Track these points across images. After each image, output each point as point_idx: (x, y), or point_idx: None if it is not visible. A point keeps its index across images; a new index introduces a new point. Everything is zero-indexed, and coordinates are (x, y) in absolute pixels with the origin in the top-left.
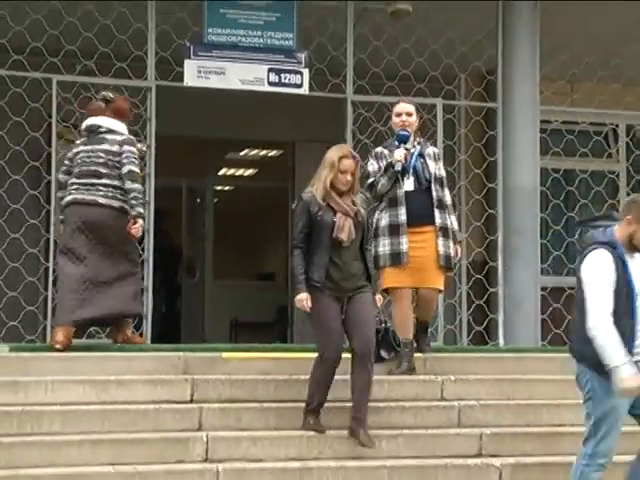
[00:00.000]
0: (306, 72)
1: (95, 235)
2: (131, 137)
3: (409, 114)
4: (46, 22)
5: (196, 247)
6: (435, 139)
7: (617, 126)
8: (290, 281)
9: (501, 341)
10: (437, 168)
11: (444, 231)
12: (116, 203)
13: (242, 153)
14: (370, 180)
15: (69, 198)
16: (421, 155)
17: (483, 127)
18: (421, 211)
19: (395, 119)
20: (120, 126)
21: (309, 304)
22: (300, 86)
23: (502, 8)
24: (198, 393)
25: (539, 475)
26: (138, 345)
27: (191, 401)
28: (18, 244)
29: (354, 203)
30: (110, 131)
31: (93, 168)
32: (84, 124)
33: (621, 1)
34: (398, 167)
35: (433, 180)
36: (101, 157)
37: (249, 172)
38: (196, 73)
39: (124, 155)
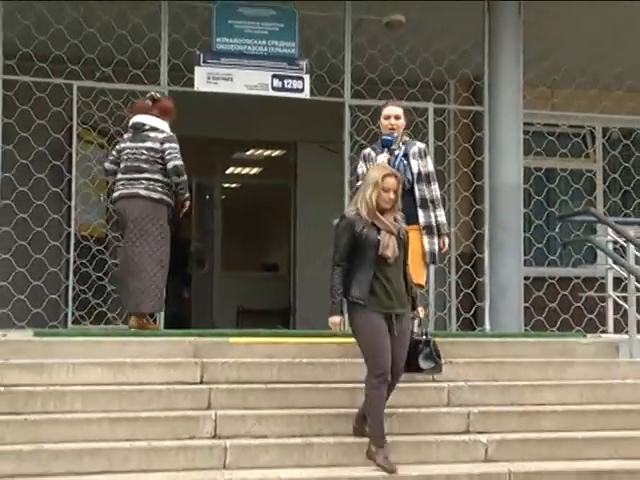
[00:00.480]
0: (307, 78)
1: (136, 225)
2: (172, 134)
3: (397, 117)
4: (67, 32)
5: (205, 240)
6: (427, 140)
7: (594, 128)
8: (292, 272)
9: (487, 327)
10: (423, 165)
11: (428, 229)
12: (156, 195)
13: (248, 153)
14: (359, 183)
15: (116, 194)
16: (405, 155)
17: (471, 129)
18: (404, 211)
19: (384, 121)
20: (163, 124)
21: (342, 328)
22: (301, 91)
23: (488, 20)
24: (207, 375)
25: (522, 450)
26: (152, 330)
27: (201, 382)
28: (41, 237)
29: (396, 220)
30: (153, 129)
31: (136, 164)
32: (131, 121)
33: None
34: None
35: (416, 180)
36: (144, 154)
37: (254, 171)
38: (206, 79)
39: (167, 152)
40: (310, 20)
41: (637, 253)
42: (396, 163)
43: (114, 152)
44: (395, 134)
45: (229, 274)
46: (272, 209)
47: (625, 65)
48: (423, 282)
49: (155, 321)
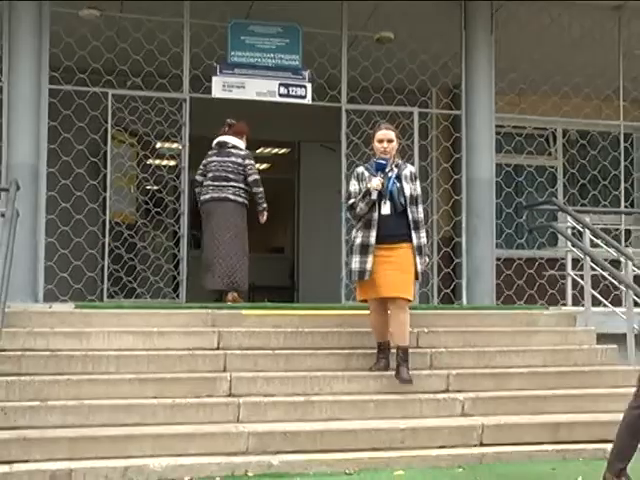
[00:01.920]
0: (309, 86)
1: (226, 220)
2: (249, 152)
3: (390, 140)
4: (104, 48)
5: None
6: (412, 140)
7: (555, 130)
8: (296, 253)
9: (464, 301)
10: (413, 188)
11: (419, 250)
12: (240, 199)
13: (258, 151)
14: (351, 201)
15: (207, 196)
16: (398, 177)
17: (450, 130)
18: (396, 231)
19: (377, 145)
20: (241, 143)
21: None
22: (304, 97)
23: (465, 37)
24: (223, 342)
25: (493, 406)
26: (176, 303)
27: (217, 348)
28: (81, 223)
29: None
30: (234, 147)
31: (224, 174)
32: (216, 141)
33: (558, 31)
34: (374, 195)
35: (408, 203)
36: (230, 167)
37: (263, 166)
38: (221, 87)
39: (248, 167)
40: (311, 36)
41: (592, 237)
42: (389, 185)
43: (201, 166)
44: (388, 156)
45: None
46: (278, 200)
47: (582, 76)
48: (411, 297)
49: (242, 297)
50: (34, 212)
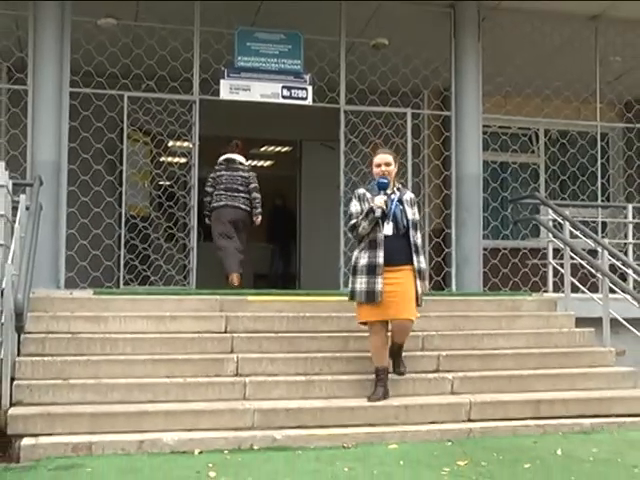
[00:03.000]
0: (310, 88)
1: (237, 224)
2: (250, 166)
3: (388, 164)
4: (120, 54)
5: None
6: (406, 138)
7: (538, 130)
8: (298, 244)
9: (454, 288)
10: (413, 213)
11: (420, 273)
12: (247, 208)
13: (262, 149)
14: (353, 221)
15: (222, 203)
16: (400, 201)
17: (441, 130)
18: (398, 253)
19: (375, 169)
20: (243, 159)
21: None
22: (305, 99)
23: (454, 44)
24: (230, 326)
25: (480, 385)
26: (186, 289)
27: (225, 332)
28: (99, 216)
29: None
30: (240, 163)
31: (235, 186)
32: (224, 157)
33: (540, 39)
34: (378, 213)
35: (411, 226)
36: (238, 180)
37: (267, 163)
38: (229, 89)
39: (251, 179)
40: (312, 42)
41: (571, 229)
42: (392, 207)
43: (210, 179)
44: (389, 178)
45: (248, 246)
46: (281, 195)
47: (562, 80)
48: (415, 317)
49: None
50: (56, 205)
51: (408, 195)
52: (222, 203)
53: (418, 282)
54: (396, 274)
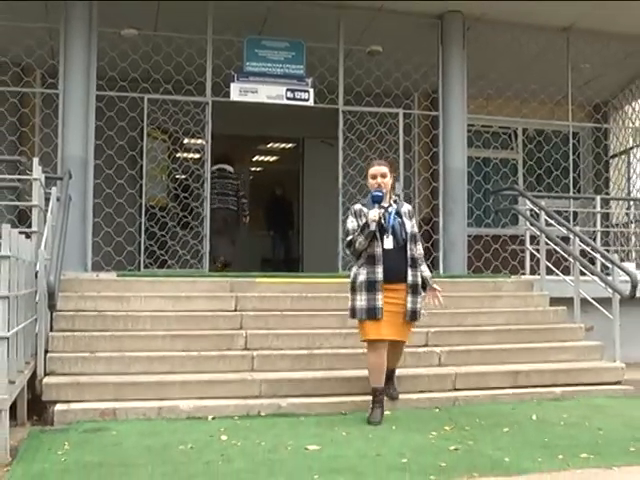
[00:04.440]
0: (311, 91)
1: (228, 223)
2: (238, 175)
3: (383, 175)
4: (140, 60)
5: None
6: (398, 136)
7: (517, 129)
8: (301, 231)
9: (441, 270)
10: (411, 225)
11: (414, 288)
12: (235, 208)
13: (268, 145)
14: (349, 238)
15: (215, 206)
16: (398, 214)
17: (429, 128)
18: (397, 269)
19: (371, 181)
20: (232, 169)
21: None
22: (307, 100)
23: (441, 51)
24: (240, 305)
25: (465, 358)
26: (200, 272)
27: (235, 310)
28: (122, 206)
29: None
30: (230, 172)
31: (225, 191)
32: (217, 167)
33: (518, 47)
34: (373, 227)
35: (409, 239)
36: (229, 186)
37: (273, 159)
38: (238, 92)
39: (239, 185)
40: (314, 50)
41: (546, 218)
42: (390, 220)
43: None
44: (384, 190)
45: (255, 233)
46: (286, 187)
47: (538, 84)
48: (407, 338)
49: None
50: (83, 197)
51: (406, 207)
52: (215, 206)
53: (408, 297)
54: (394, 293)
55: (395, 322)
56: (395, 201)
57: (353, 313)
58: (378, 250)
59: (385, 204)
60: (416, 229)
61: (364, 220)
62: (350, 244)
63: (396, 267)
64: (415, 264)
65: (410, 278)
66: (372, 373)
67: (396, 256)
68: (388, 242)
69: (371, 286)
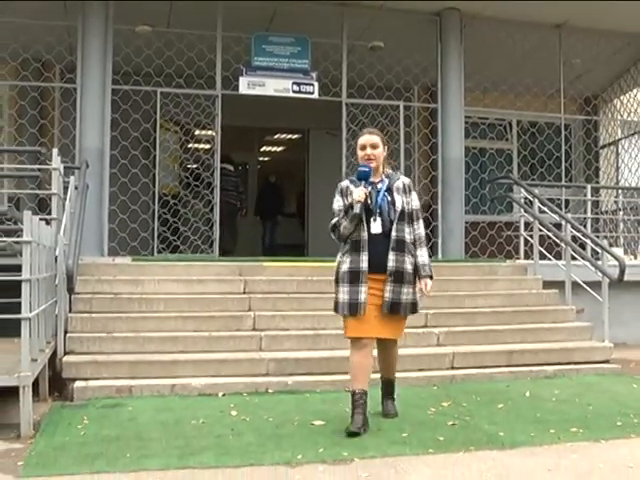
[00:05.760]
0: (316, 84)
1: (228, 215)
2: (237, 173)
3: (374, 146)
4: (154, 55)
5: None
6: (399, 127)
7: (511, 121)
8: (306, 217)
9: (440, 255)
10: (407, 202)
11: (396, 276)
12: (235, 202)
13: (275, 136)
14: (333, 221)
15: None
16: (389, 190)
17: (429, 120)
18: (383, 257)
19: (359, 152)
20: (232, 167)
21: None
22: (312, 93)
23: (440, 47)
24: (248, 288)
25: (462, 338)
26: (211, 257)
27: (244, 293)
28: (136, 194)
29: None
30: (230, 171)
31: (227, 187)
32: (222, 166)
33: (513, 43)
34: (357, 209)
35: (397, 219)
36: (230, 183)
37: (280, 149)
38: (247, 85)
39: (239, 182)
40: (318, 45)
41: (540, 205)
42: (378, 198)
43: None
44: (373, 165)
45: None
46: (292, 175)
47: (531, 79)
48: (397, 336)
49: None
50: (100, 185)
51: (400, 181)
52: (223, 198)
53: (387, 287)
54: (380, 285)
55: (382, 317)
56: (388, 175)
57: (336, 307)
58: (364, 235)
59: (376, 180)
60: (415, 204)
61: (350, 200)
62: (334, 228)
63: (383, 254)
64: (401, 247)
65: (390, 264)
66: (353, 374)
67: (385, 241)
68: (376, 226)
69: (354, 277)
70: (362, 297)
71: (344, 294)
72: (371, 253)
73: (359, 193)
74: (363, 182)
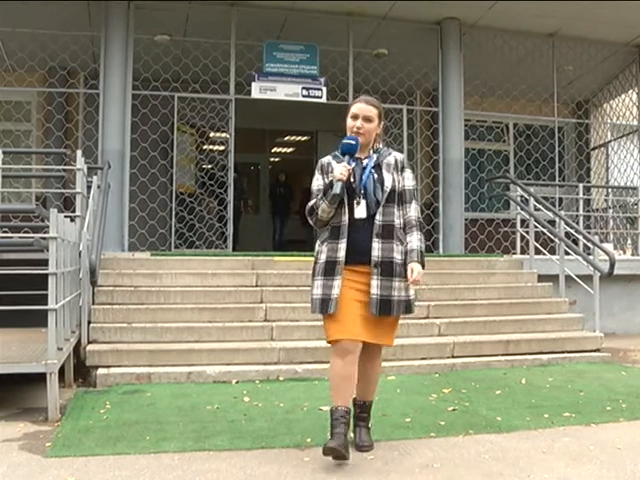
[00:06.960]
0: (324, 89)
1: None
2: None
3: (367, 119)
4: (171, 62)
5: (258, 195)
6: (402, 129)
7: (508, 124)
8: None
9: (441, 250)
10: (398, 180)
11: (384, 268)
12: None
13: (285, 138)
14: (311, 202)
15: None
16: (378, 167)
17: (430, 122)
18: (367, 245)
19: (349, 121)
20: (236, 175)
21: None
22: (321, 97)
23: (441, 54)
24: (260, 281)
25: (462, 328)
26: (225, 252)
27: (256, 286)
28: (154, 193)
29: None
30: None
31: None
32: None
33: (509, 50)
34: (337, 189)
35: (384, 200)
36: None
37: (290, 150)
38: (259, 90)
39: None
40: (326, 52)
41: (535, 203)
42: (364, 176)
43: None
44: (361, 139)
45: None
46: (300, 175)
47: (526, 84)
48: (387, 342)
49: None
50: (121, 185)
51: (392, 157)
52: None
53: (373, 282)
54: (362, 278)
55: (369, 317)
56: (376, 150)
57: (311, 304)
58: (344, 219)
59: (362, 156)
60: (409, 183)
61: (330, 178)
62: (312, 211)
63: (368, 242)
64: (389, 234)
65: (375, 253)
66: (333, 387)
67: (370, 227)
68: (360, 209)
69: (330, 268)
70: (334, 292)
71: (317, 289)
72: (353, 241)
73: (340, 170)
74: (347, 157)
